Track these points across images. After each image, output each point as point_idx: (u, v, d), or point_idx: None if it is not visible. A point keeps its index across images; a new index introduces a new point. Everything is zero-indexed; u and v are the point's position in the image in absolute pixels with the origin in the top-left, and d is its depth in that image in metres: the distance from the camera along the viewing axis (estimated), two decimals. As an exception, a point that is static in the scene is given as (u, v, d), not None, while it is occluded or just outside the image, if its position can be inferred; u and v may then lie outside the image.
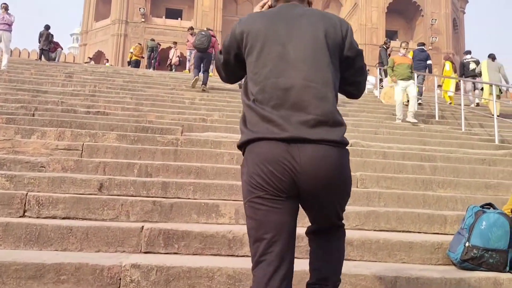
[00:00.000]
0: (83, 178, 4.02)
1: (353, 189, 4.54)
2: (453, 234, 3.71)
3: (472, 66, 12.26)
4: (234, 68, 1.90)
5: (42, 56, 14.31)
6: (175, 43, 18.49)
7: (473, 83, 12.22)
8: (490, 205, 3.31)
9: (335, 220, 1.89)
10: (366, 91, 14.10)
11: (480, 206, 3.27)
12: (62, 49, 14.79)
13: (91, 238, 3.06)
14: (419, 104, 11.16)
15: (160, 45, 18.28)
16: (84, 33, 29.04)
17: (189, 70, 16.33)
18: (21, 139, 5.03)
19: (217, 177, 4.58)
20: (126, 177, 4.25)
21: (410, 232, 3.86)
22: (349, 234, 3.60)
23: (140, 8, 26.77)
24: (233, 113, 8.27)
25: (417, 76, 12.07)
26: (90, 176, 4.13)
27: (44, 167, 4.43)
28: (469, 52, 13.11)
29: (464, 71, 12.34)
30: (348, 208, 3.91)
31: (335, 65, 1.75)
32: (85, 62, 18.98)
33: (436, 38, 29.35)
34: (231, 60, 1.88)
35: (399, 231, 3.85)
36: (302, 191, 1.64)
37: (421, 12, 30.12)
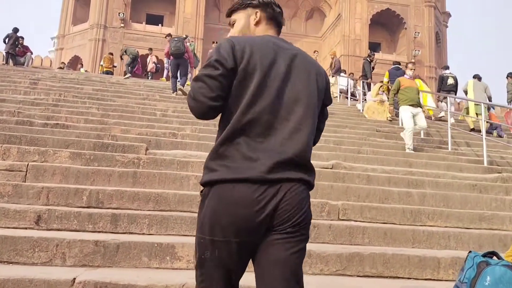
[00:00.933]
0: (17, 208, 3.40)
1: (334, 222, 4.04)
2: (447, 281, 3.21)
3: (450, 81, 12.21)
4: (227, 84, 1.57)
5: (10, 60, 13.51)
6: (150, 49, 17.80)
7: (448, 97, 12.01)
8: (493, 254, 2.80)
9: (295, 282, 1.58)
10: (338, 100, 13.55)
11: (482, 255, 2.77)
12: (32, 53, 13.97)
13: (7, 294, 2.45)
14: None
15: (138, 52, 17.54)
16: (60, 37, 28.02)
17: (166, 78, 15.72)
18: (-45, 157, 4.37)
19: (179, 206, 4.00)
20: (69, 208, 3.64)
21: (398, 278, 3.35)
22: (328, 281, 3.08)
23: (119, 13, 25.95)
24: (207, 126, 7.70)
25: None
26: (26, 206, 3.51)
27: (-24, 193, 3.79)
28: (447, 67, 13.18)
29: (443, 84, 12.37)
30: (328, 248, 3.39)
31: (317, 111, 1.70)
32: (59, 68, 18.16)
33: (419, 51, 29.29)
34: (227, 74, 1.56)
35: (386, 277, 3.33)
36: (273, 226, 1.52)
37: (404, 25, 30.10)
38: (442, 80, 12.49)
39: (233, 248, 1.52)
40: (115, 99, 9.27)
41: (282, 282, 1.53)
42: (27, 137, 5.25)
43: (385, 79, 12.30)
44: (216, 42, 16.50)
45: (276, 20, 1.77)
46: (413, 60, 30.42)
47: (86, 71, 19.33)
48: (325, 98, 1.76)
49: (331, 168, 5.84)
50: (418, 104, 8.26)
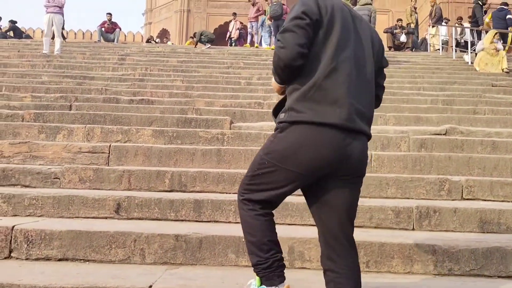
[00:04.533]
0: (96, 197, 3.15)
1: (458, 204, 3.26)
2: None
3: None
4: (312, 35, 1.73)
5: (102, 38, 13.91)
6: (234, 14, 17.34)
7: None
8: None
9: (350, 222, 1.81)
10: (440, 52, 12.04)
11: None
12: (120, 29, 14.22)
13: (79, 304, 2.14)
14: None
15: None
16: (148, 11, 28.67)
17: (250, 44, 15.21)
18: (41, 141, 4.29)
19: (269, 188, 3.51)
20: (151, 193, 3.34)
21: (555, 279, 2.55)
22: (460, 283, 2.42)
23: (202, -19, 25.79)
24: (295, 93, 7.10)
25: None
26: (105, 194, 3.24)
27: (59, 179, 3.63)
28: None
29: None
30: (459, 242, 2.68)
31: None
32: (146, 41, 18.52)
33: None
34: (312, 24, 1.72)
35: (539, 278, 2.55)
36: (341, 174, 1.73)
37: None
38: None
39: (293, 177, 1.73)
40: (199, 70, 8.99)
41: (339, 224, 1.76)
42: (111, 116, 5.08)
43: (486, 20, 11.20)
44: None
45: None
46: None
47: (172, 43, 19.49)
48: (382, 61, 1.95)
49: (444, 134, 4.96)
50: None
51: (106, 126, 4.70)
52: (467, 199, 3.53)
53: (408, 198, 3.54)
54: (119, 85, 7.36)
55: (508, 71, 9.13)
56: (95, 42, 14.01)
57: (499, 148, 4.45)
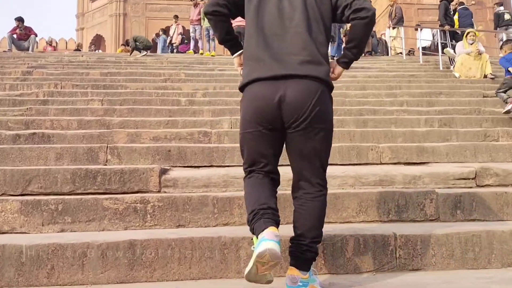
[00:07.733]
0: None
1: None
2: None
3: (507, 16, 11.93)
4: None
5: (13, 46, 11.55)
6: (176, 16, 15.43)
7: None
8: None
9: (317, 170, 1.97)
10: (403, 57, 10.90)
11: None
12: (36, 35, 11.89)
13: None
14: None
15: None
16: (80, 15, 25.89)
17: (193, 51, 13.34)
18: None
19: None
20: None
21: None
22: None
23: (139, -18, 23.62)
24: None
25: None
26: None
27: None
28: (501, 4, 13.03)
29: (499, 22, 12.05)
30: None
31: (325, 10, 2.00)
32: (75, 50, 16.15)
33: (479, -9, 25.36)
34: None
35: None
36: (287, 121, 1.89)
37: (459, -38, 26.09)
38: (498, 17, 12.02)
39: (258, 136, 1.95)
40: (128, 85, 7.05)
41: (306, 168, 1.96)
42: (-40, 174, 3.11)
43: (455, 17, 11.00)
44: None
45: None
46: (473, 2, 26.65)
47: (98, 51, 17.17)
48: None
49: (473, 179, 3.42)
50: None
51: None
52: None
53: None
54: (9, 111, 5.32)
55: (493, 77, 7.91)
56: (4, 51, 11.63)
57: None
